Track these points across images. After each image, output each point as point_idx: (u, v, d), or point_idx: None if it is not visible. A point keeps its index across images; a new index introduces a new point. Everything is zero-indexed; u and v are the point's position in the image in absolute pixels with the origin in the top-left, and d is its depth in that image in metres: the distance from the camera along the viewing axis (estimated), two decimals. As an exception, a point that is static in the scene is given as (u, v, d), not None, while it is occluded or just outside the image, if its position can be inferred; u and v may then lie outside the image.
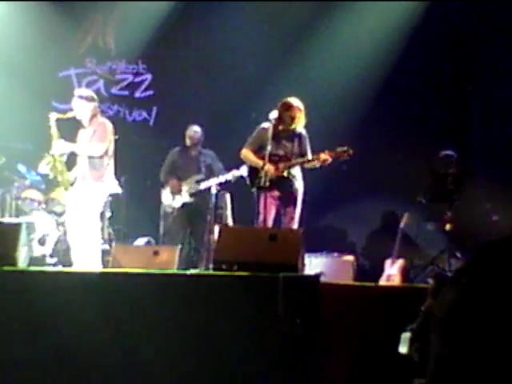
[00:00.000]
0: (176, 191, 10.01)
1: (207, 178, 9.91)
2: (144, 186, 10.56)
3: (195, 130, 10.34)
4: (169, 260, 7.65)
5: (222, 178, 9.65)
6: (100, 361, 5.81)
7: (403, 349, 3.50)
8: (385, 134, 11.11)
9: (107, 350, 5.86)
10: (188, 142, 10.33)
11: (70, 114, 8.61)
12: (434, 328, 1.69)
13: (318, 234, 10.77)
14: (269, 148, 8.36)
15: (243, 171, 9.14)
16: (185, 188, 9.99)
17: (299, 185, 8.66)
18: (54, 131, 8.54)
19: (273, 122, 8.48)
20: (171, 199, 10.05)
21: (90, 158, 8.52)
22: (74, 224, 8.40)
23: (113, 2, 12.26)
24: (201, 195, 9.92)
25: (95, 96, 8.80)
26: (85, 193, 8.44)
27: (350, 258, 9.47)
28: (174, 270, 7.30)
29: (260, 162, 8.47)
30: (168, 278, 6.43)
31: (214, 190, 9.67)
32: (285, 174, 8.56)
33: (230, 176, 9.53)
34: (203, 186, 9.85)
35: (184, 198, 9.98)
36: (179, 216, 10.00)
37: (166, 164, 10.31)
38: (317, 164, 8.55)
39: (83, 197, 8.42)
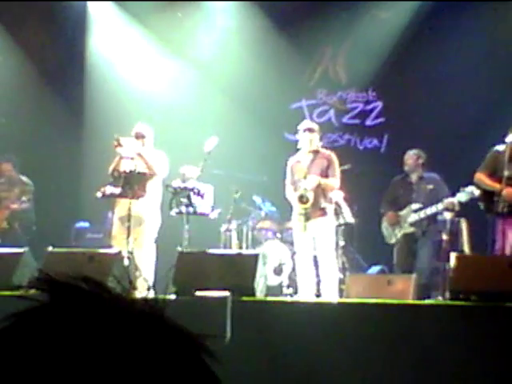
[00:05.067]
0: (394, 223, 9.70)
1: (429, 204, 9.49)
2: (377, 214, 10.46)
3: (409, 154, 9.93)
4: (403, 289, 7.51)
5: (433, 209, 9.30)
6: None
7: None
8: None
9: (345, 379, 5.83)
10: (405, 167, 9.98)
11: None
12: None
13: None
14: (506, 172, 8.05)
15: (461, 197, 8.84)
16: (403, 218, 9.64)
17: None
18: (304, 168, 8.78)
19: (509, 145, 8.15)
20: (390, 231, 9.76)
21: (326, 191, 8.68)
22: (322, 257, 8.52)
23: (342, 33, 12.38)
24: (424, 223, 9.55)
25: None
26: (327, 227, 8.59)
27: None
28: (410, 300, 7.15)
29: (497, 186, 8.15)
30: (404, 307, 6.33)
31: (447, 217, 9.37)
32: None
33: (444, 205, 9.17)
34: (421, 215, 9.47)
35: (404, 228, 9.63)
36: (402, 247, 9.69)
37: (386, 194, 10.03)
38: None
39: (327, 231, 8.56)
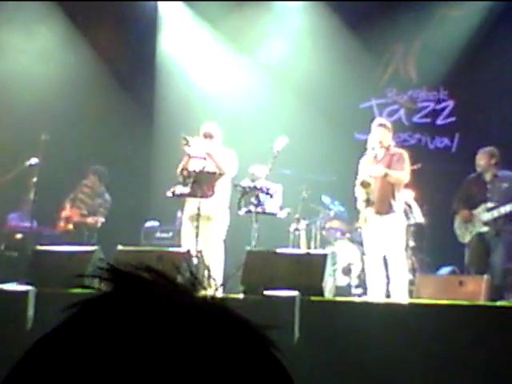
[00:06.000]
0: (467, 221, 9.53)
1: (505, 203, 9.28)
2: (447, 214, 10.32)
3: (481, 153, 9.65)
4: (475, 290, 7.40)
5: (507, 208, 9.09)
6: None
7: None
8: None
9: (415, 381, 5.76)
10: (478, 168, 9.75)
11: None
12: None
13: None
14: None
15: None
16: (477, 217, 9.46)
17: None
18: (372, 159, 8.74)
19: None
20: (463, 229, 9.59)
21: (395, 186, 8.59)
22: (391, 257, 8.45)
23: (414, 32, 12.26)
24: (499, 223, 9.35)
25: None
26: (397, 226, 8.52)
27: None
28: (482, 301, 7.04)
29: None
30: (476, 309, 6.22)
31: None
32: None
33: None
34: (495, 214, 9.28)
35: (477, 227, 9.45)
36: (475, 246, 9.51)
37: (459, 192, 9.84)
38: None
39: (396, 230, 8.49)
